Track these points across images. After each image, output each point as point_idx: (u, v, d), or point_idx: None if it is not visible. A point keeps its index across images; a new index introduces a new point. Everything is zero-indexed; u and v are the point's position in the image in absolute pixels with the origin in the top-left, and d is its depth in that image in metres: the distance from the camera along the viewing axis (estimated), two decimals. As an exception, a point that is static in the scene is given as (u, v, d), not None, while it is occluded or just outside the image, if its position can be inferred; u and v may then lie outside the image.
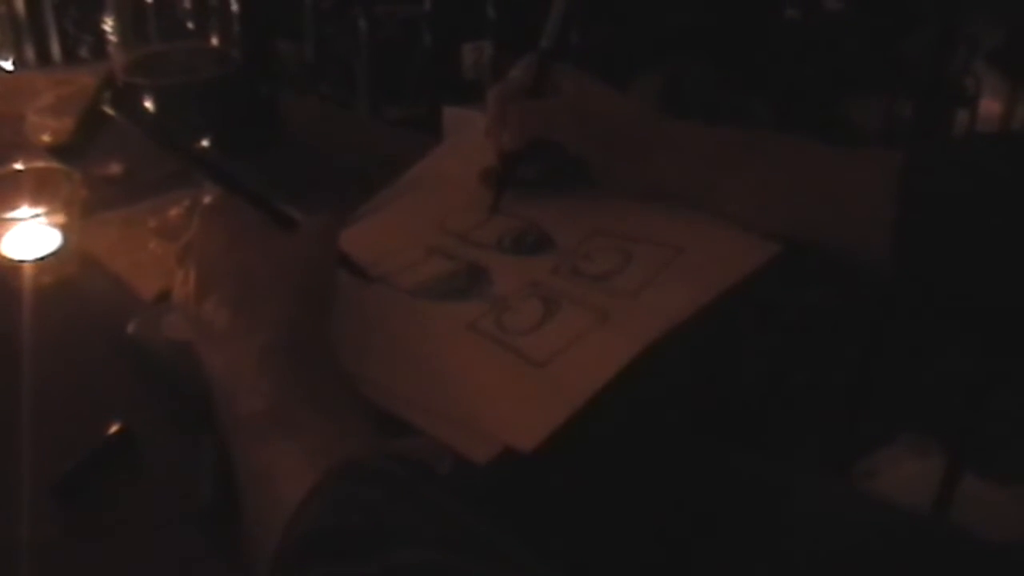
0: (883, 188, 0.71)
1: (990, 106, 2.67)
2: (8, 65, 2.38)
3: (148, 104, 0.86)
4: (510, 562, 0.45)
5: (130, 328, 0.77)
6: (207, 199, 0.69)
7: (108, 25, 0.85)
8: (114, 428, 0.69)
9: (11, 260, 0.86)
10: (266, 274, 0.63)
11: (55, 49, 2.49)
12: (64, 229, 0.88)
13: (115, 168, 1.03)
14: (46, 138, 1.08)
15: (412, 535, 0.45)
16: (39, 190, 0.88)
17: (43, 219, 0.87)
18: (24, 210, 0.87)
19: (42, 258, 0.86)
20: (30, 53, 2.45)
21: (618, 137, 0.81)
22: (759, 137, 0.79)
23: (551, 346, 0.68)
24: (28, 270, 0.86)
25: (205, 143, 0.91)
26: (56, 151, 1.04)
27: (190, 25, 0.86)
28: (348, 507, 0.47)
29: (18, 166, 0.91)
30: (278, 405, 0.55)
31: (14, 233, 0.87)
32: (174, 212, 0.94)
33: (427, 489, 0.49)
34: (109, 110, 0.81)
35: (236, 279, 0.63)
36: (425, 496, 0.48)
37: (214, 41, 0.87)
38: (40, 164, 0.93)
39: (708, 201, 0.79)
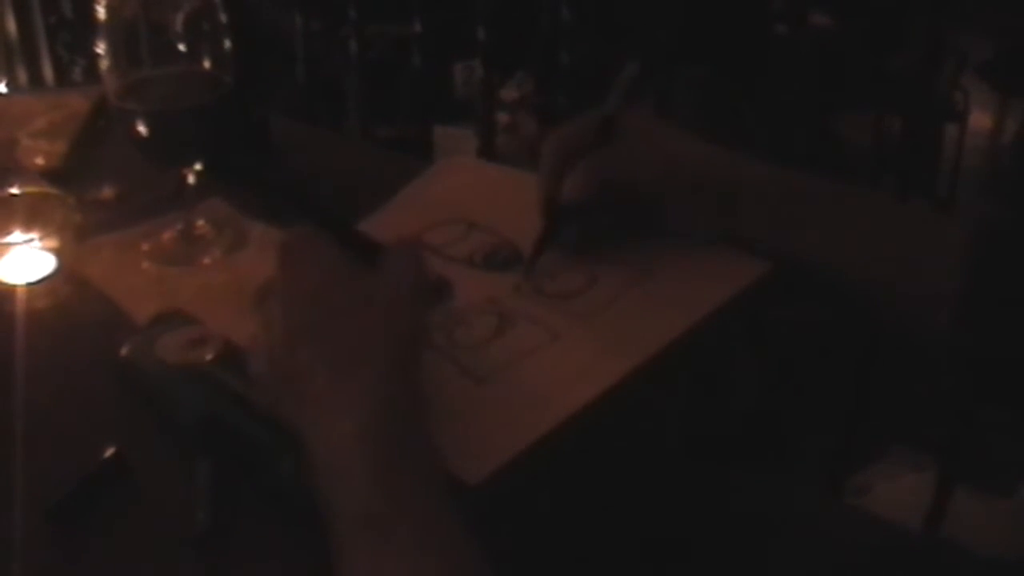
0: (950, 255, 0.69)
1: (980, 120, 2.68)
2: (1, 88, 2.39)
3: (141, 129, 0.86)
4: None
5: (124, 351, 0.77)
6: (286, 235, 0.64)
7: (100, 49, 0.86)
8: (109, 452, 0.69)
9: (5, 284, 0.86)
10: (359, 325, 0.60)
11: (47, 72, 2.49)
12: (58, 253, 0.88)
13: (108, 192, 1.04)
14: (39, 162, 1.08)
15: None
16: (33, 215, 0.89)
17: (37, 243, 0.88)
18: (18, 235, 0.88)
19: (36, 282, 0.87)
20: (22, 76, 2.46)
21: (700, 184, 0.78)
22: (841, 189, 0.77)
23: (493, 361, 0.68)
24: (22, 294, 0.86)
25: (197, 167, 0.91)
26: (49, 175, 1.04)
27: (182, 49, 0.86)
28: None
29: (12, 191, 0.91)
30: (372, 513, 0.54)
31: (8, 258, 0.87)
32: (167, 235, 0.95)
33: None
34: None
35: (328, 332, 0.60)
36: None
37: (206, 65, 0.87)
38: (34, 189, 0.94)
39: (784, 250, 0.76)
